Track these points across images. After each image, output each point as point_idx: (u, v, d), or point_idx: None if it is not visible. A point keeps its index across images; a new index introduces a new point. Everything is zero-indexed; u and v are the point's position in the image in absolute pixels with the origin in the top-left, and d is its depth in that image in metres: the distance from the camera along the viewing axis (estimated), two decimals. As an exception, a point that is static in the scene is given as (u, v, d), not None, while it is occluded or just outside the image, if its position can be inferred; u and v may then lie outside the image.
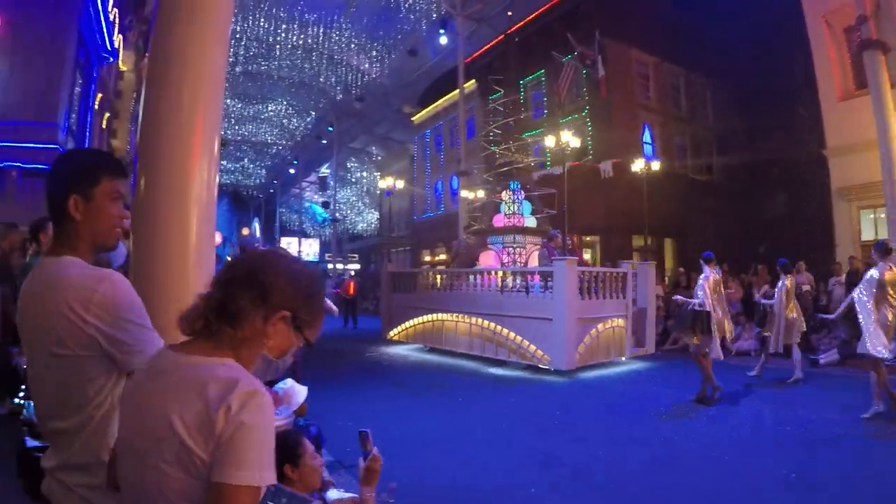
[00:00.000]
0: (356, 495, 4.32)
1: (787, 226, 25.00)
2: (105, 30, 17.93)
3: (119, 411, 1.69)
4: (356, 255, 54.34)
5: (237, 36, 31.48)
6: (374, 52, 35.05)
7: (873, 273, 8.48)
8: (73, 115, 17.39)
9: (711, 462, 6.50)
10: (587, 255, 27.14)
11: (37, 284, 2.02)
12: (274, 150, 53.76)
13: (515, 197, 17.09)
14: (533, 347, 13.14)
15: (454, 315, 15.42)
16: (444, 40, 29.20)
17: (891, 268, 8.52)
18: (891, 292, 8.42)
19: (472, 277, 15.62)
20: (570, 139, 21.43)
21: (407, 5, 29.15)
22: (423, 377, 12.45)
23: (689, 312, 10.15)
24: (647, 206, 23.62)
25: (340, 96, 40.60)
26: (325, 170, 53.74)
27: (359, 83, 38.85)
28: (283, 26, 31.76)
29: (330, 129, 43.95)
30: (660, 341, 16.36)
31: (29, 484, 2.21)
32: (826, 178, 19.71)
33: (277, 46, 34.29)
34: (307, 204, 60.10)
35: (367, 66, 37.11)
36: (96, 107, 19.94)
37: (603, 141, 25.55)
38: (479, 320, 14.56)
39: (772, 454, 6.77)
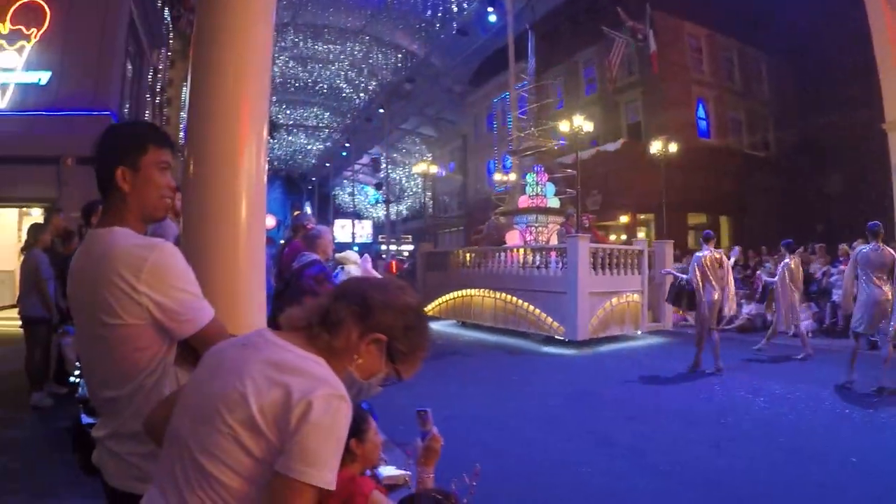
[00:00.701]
0: (407, 472, 4.32)
1: (846, 203, 24.32)
2: (154, 18, 18.15)
3: (201, 363, 1.70)
4: (409, 237, 54.45)
5: (285, 21, 31.67)
6: (424, 34, 34.92)
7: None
8: (126, 104, 17.67)
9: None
10: (641, 234, 26.80)
11: (87, 256, 2.02)
12: (325, 134, 54.11)
13: (539, 178, 17.53)
14: (549, 319, 13.97)
15: (482, 291, 16.36)
16: (492, 18, 28.94)
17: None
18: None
19: (497, 255, 16.68)
20: (584, 123, 22.35)
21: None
22: (455, 352, 12.90)
23: (676, 287, 11.12)
24: (691, 184, 23.11)
25: (390, 78, 40.59)
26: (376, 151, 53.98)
27: (409, 64, 38.80)
28: (331, 9, 31.81)
29: (381, 110, 43.99)
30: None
31: (84, 459, 2.22)
32: (886, 153, 18.97)
33: (325, 30, 34.41)
34: (360, 186, 60.42)
35: (416, 47, 37.02)
36: (148, 95, 20.25)
37: (656, 116, 25.06)
38: (504, 294, 15.44)
39: (824, 435, 6.57)
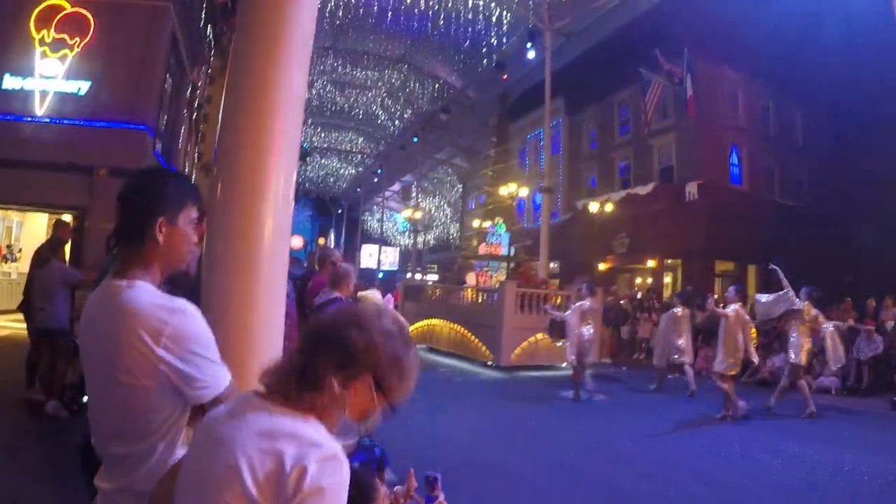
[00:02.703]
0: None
1: (876, 255, 23.94)
2: (196, 35, 18.41)
3: (192, 440, 1.71)
4: (435, 266, 54.42)
5: (325, 45, 32.04)
6: (461, 65, 35.13)
7: None
8: (164, 119, 17.87)
9: None
10: (667, 279, 26.60)
11: (104, 307, 1.98)
12: (358, 159, 54.49)
13: (495, 230, 22.09)
14: (484, 348, 17.25)
15: (442, 321, 19.50)
16: (531, 54, 29.05)
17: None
18: None
19: (455, 292, 20.53)
20: (522, 189, 29.00)
21: (494, 19, 29.09)
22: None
23: (553, 323, 14.13)
24: (720, 231, 22.88)
25: (426, 107, 40.83)
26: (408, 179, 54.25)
27: (445, 95, 39.02)
28: (371, 36, 32.12)
29: (415, 139, 44.21)
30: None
31: (90, 480, 2.16)
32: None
33: (365, 56, 34.74)
34: (390, 213, 60.66)
35: (453, 78, 37.25)
36: (185, 112, 20.49)
37: (689, 161, 24.91)
38: (456, 325, 18.73)
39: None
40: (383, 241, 59.83)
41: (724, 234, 24.04)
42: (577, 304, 12.90)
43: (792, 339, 11.34)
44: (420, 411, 8.51)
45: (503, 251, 22.43)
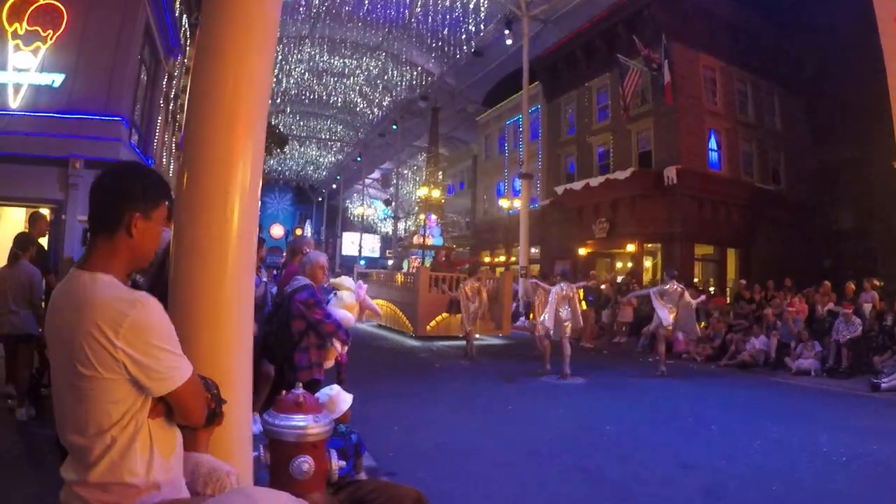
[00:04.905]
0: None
1: (855, 239, 24.21)
2: (170, 26, 18.24)
3: None
4: (417, 252, 54.43)
5: (302, 34, 31.85)
6: (439, 52, 35.05)
7: None
8: (139, 109, 17.71)
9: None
10: (647, 263, 26.75)
11: (67, 299, 1.99)
12: (338, 147, 54.31)
13: (429, 223, 28.01)
14: (407, 321, 21.01)
15: (385, 301, 22.53)
16: (508, 41, 29.05)
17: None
18: None
19: (390, 277, 25.70)
20: (434, 191, 39.80)
21: (472, 6, 29.05)
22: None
23: (451, 301, 17.92)
24: (699, 215, 23.05)
25: (405, 95, 40.73)
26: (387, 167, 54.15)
27: (423, 82, 38.94)
28: (349, 24, 31.97)
29: (394, 126, 44.08)
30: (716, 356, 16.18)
31: None
32: (896, 189, 18.85)
33: (343, 45, 34.56)
34: (370, 200, 60.52)
35: (431, 65, 37.16)
36: (162, 101, 20.31)
37: (667, 146, 24.99)
38: (391, 304, 22.53)
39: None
40: (365, 228, 59.72)
41: (703, 219, 24.18)
42: (556, 287, 13.61)
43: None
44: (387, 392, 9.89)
45: (434, 241, 29.82)
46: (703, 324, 17.40)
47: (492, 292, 18.81)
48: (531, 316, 17.74)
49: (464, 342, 16.81)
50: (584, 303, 19.04)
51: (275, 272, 13.40)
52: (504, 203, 35.66)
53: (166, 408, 2.04)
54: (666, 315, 13.81)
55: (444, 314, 19.67)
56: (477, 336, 18.08)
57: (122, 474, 1.93)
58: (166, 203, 2.16)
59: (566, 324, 13.19)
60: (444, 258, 26.44)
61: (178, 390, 1.99)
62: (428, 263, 26.17)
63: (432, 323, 20.23)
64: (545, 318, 13.31)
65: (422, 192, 40.23)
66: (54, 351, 2.03)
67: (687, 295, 14.18)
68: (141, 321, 1.91)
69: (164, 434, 2.06)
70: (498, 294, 20.66)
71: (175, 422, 2.11)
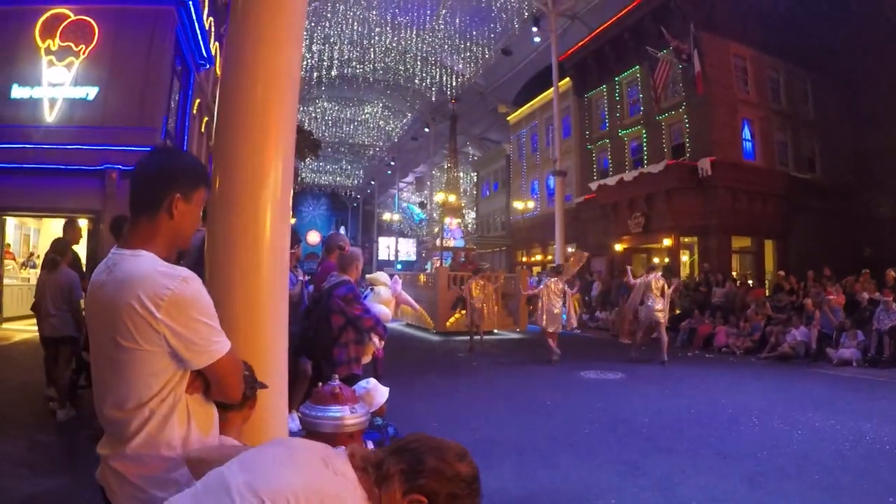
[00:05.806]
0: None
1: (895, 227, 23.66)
2: (201, 37, 18.49)
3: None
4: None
5: (331, 40, 32.05)
6: (468, 53, 35.07)
7: None
8: (172, 120, 18.00)
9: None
10: (684, 257, 26.42)
11: (110, 274, 2.02)
12: (371, 152, 54.56)
13: (449, 226, 29.34)
14: (428, 318, 21.25)
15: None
16: (536, 38, 28.98)
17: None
18: None
19: (414, 277, 26.31)
20: (449, 196, 41.72)
21: (498, 4, 29.02)
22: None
23: (456, 299, 20.31)
24: (735, 207, 22.72)
25: (435, 97, 40.79)
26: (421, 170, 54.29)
27: (453, 84, 38.97)
28: (377, 29, 32.12)
29: (426, 129, 44.18)
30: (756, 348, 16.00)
31: None
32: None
33: (372, 49, 34.73)
34: (404, 204, 60.72)
35: (460, 66, 37.18)
36: (194, 111, 20.61)
37: (700, 138, 24.68)
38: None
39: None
40: (400, 232, 59.90)
41: (739, 210, 23.81)
42: (545, 282, 14.92)
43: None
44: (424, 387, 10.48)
45: (455, 243, 32.64)
46: (677, 310, 19.07)
47: (502, 290, 20.96)
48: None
49: (467, 337, 17.55)
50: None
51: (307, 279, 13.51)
52: (518, 205, 38.51)
53: (204, 384, 2.07)
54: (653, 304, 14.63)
55: (462, 311, 20.18)
56: (495, 331, 19.85)
57: (159, 447, 1.96)
58: (205, 187, 2.19)
59: (556, 315, 14.45)
60: (462, 258, 28.12)
61: (217, 364, 2.02)
62: (448, 264, 27.58)
63: (451, 319, 21.31)
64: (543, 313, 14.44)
65: (438, 197, 43.57)
66: (95, 327, 2.06)
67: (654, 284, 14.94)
68: (183, 295, 1.95)
69: (201, 409, 2.09)
70: (514, 291, 21.99)
71: (212, 399, 2.14)
